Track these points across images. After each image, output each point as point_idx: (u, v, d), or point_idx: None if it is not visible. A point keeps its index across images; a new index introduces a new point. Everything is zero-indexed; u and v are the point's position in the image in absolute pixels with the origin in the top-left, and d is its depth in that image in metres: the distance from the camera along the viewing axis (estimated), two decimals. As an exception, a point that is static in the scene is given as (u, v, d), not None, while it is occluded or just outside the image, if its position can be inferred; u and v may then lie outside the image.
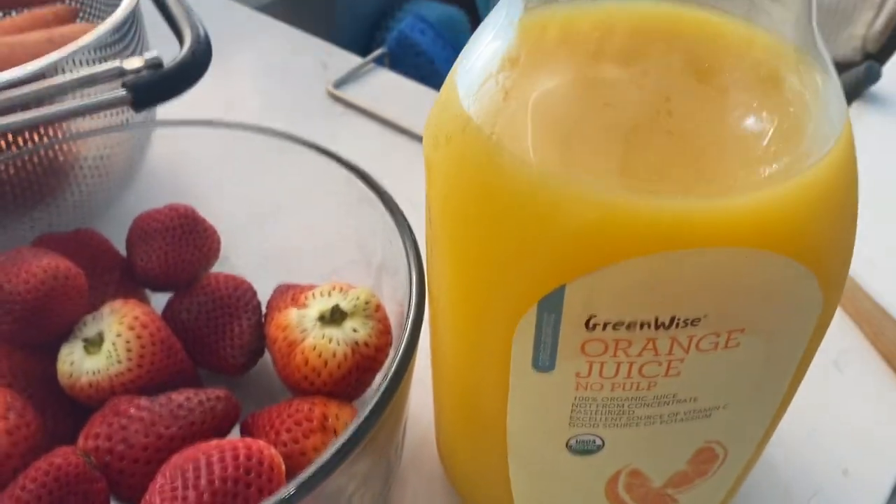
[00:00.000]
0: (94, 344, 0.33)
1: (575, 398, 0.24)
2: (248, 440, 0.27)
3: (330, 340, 0.32)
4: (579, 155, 0.21)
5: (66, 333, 0.34)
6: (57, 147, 0.40)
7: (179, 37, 0.39)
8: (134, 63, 0.36)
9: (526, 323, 0.23)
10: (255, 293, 0.39)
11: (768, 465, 0.37)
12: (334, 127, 0.60)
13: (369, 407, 0.25)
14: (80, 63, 0.38)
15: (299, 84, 0.64)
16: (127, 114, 0.42)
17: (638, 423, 0.25)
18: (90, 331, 0.33)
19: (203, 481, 0.25)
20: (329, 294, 0.34)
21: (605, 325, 0.22)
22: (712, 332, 0.22)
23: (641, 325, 0.22)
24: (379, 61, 0.67)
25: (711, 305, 0.22)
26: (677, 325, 0.22)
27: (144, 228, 0.38)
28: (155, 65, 0.36)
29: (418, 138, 0.57)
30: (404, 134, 0.58)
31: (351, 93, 0.63)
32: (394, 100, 0.63)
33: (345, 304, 0.33)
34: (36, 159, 0.39)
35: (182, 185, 0.43)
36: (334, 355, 0.32)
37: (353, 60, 0.67)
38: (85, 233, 0.38)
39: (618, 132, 0.20)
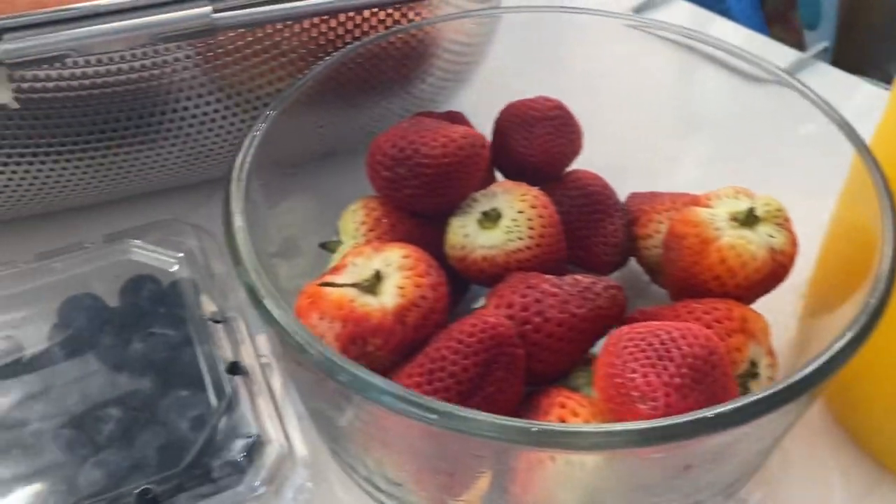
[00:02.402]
0: (491, 219, 0.32)
1: None
2: (693, 324, 0.26)
3: (749, 242, 0.30)
4: None
5: (452, 208, 0.34)
6: (422, 30, 0.39)
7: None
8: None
9: None
10: (617, 194, 0.38)
11: None
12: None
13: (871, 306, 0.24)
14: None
15: (599, 7, 0.62)
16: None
17: None
18: (484, 206, 0.33)
19: (676, 354, 0.24)
20: (736, 197, 0.32)
21: None
22: None
23: None
24: (674, -9, 0.64)
25: None
26: None
27: (522, 116, 0.37)
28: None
29: (727, 67, 0.54)
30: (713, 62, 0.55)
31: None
32: (692, 27, 0.60)
33: (758, 209, 0.31)
34: (405, 38, 0.38)
35: (523, 76, 0.43)
36: (754, 258, 0.30)
37: (647, -11, 0.64)
38: (456, 115, 0.38)
39: None
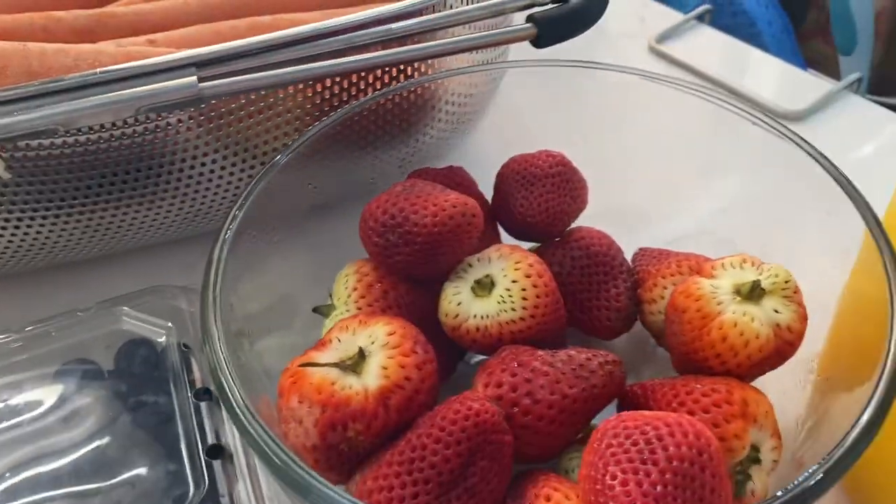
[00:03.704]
0: (484, 287, 0.31)
1: None
2: (685, 417, 0.25)
3: (752, 319, 0.29)
4: None
5: (445, 273, 0.33)
6: (426, 86, 0.38)
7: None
8: (541, -5, 0.34)
9: None
10: (623, 253, 0.36)
11: None
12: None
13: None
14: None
15: (619, 38, 0.61)
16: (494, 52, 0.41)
17: None
18: (477, 273, 0.32)
19: (661, 457, 0.23)
20: (741, 266, 0.31)
21: None
22: None
23: None
24: (699, 18, 0.62)
25: None
26: None
27: (522, 173, 0.36)
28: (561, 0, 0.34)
29: (748, 100, 0.52)
30: (733, 94, 0.54)
31: (674, 49, 0.58)
32: (719, 58, 0.58)
33: (764, 281, 0.29)
34: (404, 95, 0.37)
35: (518, 129, 0.42)
36: (757, 336, 0.28)
37: (672, 16, 0.62)
38: (457, 171, 0.37)
39: None
